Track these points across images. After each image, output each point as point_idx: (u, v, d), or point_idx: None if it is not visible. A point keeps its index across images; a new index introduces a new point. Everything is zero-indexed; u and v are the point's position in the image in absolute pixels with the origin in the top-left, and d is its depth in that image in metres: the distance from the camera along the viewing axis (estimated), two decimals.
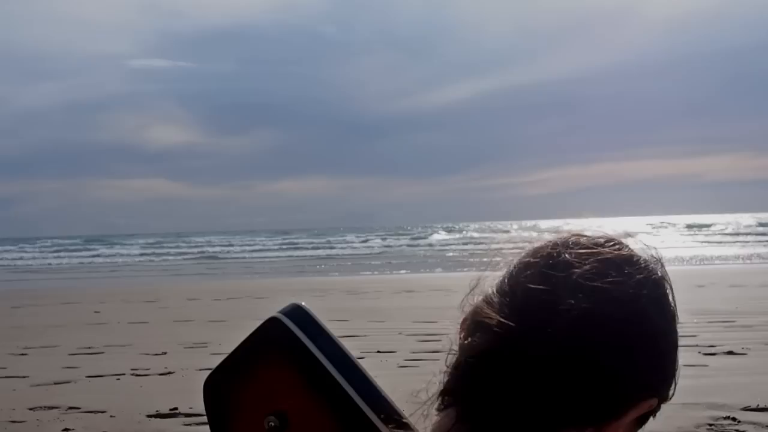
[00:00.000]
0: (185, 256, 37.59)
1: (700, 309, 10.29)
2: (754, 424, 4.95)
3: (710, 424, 4.99)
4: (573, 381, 0.75)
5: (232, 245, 45.33)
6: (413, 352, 8.02)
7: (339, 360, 0.93)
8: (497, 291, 0.84)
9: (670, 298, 0.83)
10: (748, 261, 22.24)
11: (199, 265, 31.50)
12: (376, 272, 23.07)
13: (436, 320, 10.30)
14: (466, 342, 0.83)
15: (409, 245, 42.34)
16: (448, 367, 0.86)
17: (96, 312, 12.57)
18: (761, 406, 5.31)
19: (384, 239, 48.40)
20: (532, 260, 0.84)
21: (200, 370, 7.32)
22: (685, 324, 9.08)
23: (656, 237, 43.98)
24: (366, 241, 47.34)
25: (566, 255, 0.82)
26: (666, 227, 55.01)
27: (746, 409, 5.28)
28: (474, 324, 0.83)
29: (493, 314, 0.80)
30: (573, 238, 0.85)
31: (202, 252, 40.45)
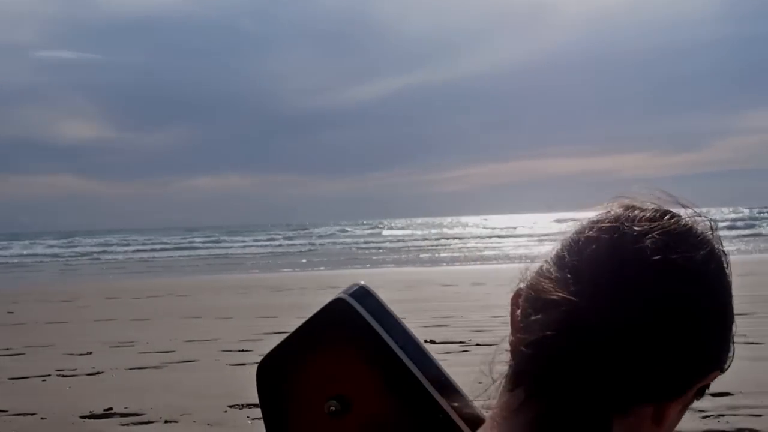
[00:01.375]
0: (89, 257, 36.42)
1: None
2: (697, 410, 5.10)
3: None
4: (646, 358, 0.74)
5: (129, 244, 44.18)
6: None
7: (405, 343, 0.91)
8: (557, 265, 0.81)
9: (728, 269, 0.83)
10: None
11: (103, 264, 30.66)
12: (297, 269, 22.92)
13: None
14: (530, 320, 0.80)
15: (333, 242, 42.23)
16: (510, 348, 0.84)
17: (10, 312, 12.08)
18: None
19: (305, 236, 48.18)
20: (593, 234, 0.81)
21: (131, 369, 7.12)
22: None
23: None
24: (290, 237, 47.07)
25: (631, 228, 0.80)
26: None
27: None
28: (538, 301, 0.81)
29: (561, 291, 0.78)
30: (629, 212, 0.83)
31: (105, 250, 39.40)
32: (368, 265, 24.36)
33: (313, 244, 40.26)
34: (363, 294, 0.93)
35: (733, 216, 47.63)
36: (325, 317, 0.91)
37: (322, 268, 23.39)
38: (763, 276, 13.54)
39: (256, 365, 0.97)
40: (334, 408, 0.89)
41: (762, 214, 50.80)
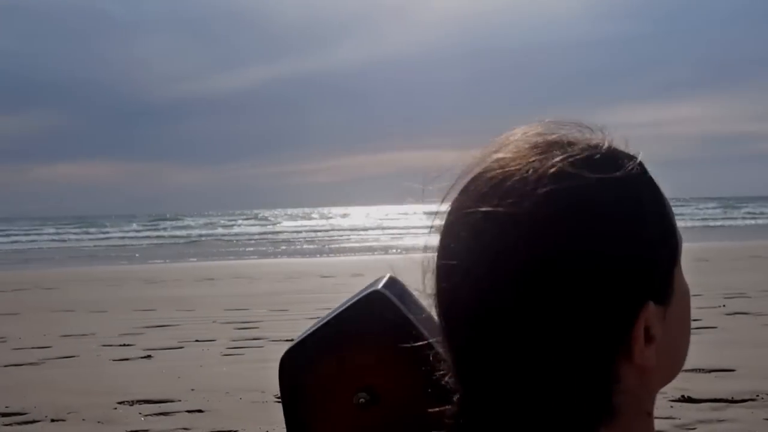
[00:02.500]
0: None
1: None
2: None
3: None
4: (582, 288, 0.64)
5: None
6: (234, 340, 7.90)
7: (436, 334, 0.88)
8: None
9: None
10: None
11: None
12: (169, 261, 22.34)
13: (248, 308, 10.21)
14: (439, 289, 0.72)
15: (202, 233, 41.34)
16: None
17: None
18: None
19: (175, 227, 46.95)
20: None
21: (6, 366, 6.79)
22: None
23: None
24: (154, 228, 45.69)
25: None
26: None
27: None
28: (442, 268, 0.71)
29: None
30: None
31: None
32: (243, 257, 24.05)
33: (182, 236, 39.33)
34: (396, 286, 0.92)
35: None
36: (362, 309, 0.90)
37: (194, 259, 22.89)
38: None
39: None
40: (363, 400, 0.89)
41: None
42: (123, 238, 38.36)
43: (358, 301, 0.91)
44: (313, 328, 0.93)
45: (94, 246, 32.89)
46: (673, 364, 0.74)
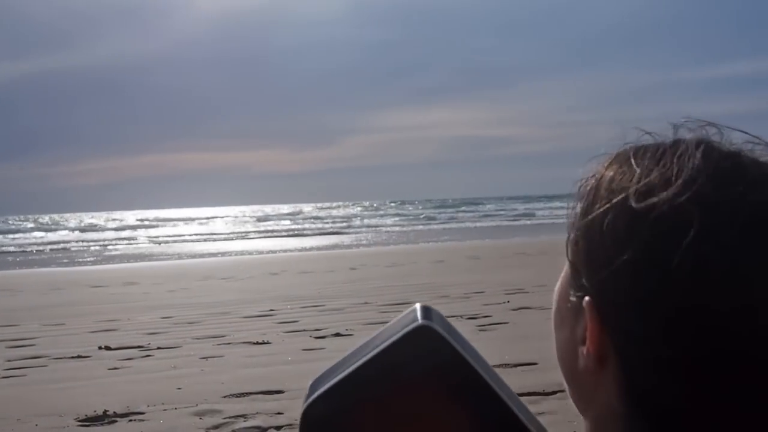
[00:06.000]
0: None
1: (287, 296, 10.83)
2: None
3: None
4: None
5: None
6: (10, 360, 7.10)
7: (490, 373, 0.81)
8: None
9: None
10: (309, 249, 23.80)
11: None
12: None
13: (17, 323, 9.30)
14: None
15: None
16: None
17: None
18: None
19: None
20: None
21: None
22: (282, 310, 9.50)
23: (208, 227, 45.11)
24: None
25: None
26: (216, 219, 56.63)
27: None
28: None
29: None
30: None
31: None
32: None
33: None
34: (440, 319, 0.81)
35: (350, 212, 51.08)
36: (410, 347, 0.78)
37: None
38: (415, 265, 14.82)
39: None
40: None
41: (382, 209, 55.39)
42: None
43: (404, 337, 0.78)
44: (347, 370, 0.79)
45: None
46: None
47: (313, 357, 6.81)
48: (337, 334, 7.85)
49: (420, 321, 0.78)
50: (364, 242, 26.82)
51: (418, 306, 0.81)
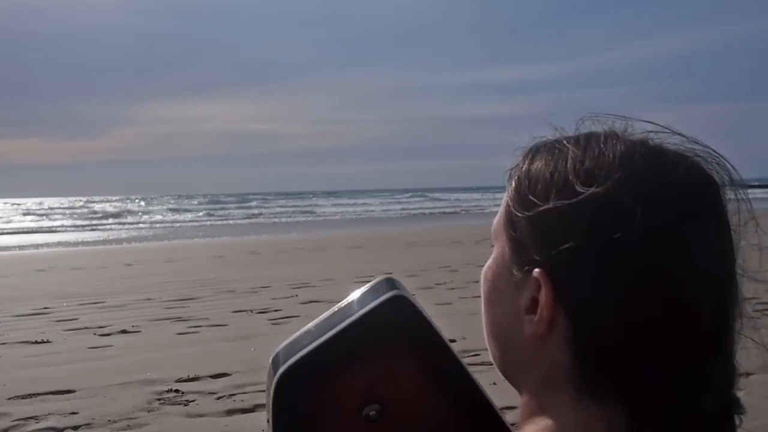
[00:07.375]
0: None
1: (61, 293, 10.24)
2: (196, 392, 5.29)
3: (159, 399, 5.16)
4: None
5: None
6: None
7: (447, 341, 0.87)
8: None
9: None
10: (77, 245, 22.36)
11: None
12: None
13: None
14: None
15: None
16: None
17: None
18: (192, 375, 5.67)
19: None
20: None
21: None
22: (57, 308, 8.99)
23: None
24: None
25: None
26: None
27: (181, 380, 5.59)
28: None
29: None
30: None
31: None
32: None
33: None
34: (404, 288, 0.85)
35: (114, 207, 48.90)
36: (382, 316, 0.82)
37: None
38: (195, 260, 14.47)
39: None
40: (374, 413, 0.82)
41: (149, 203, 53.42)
42: None
43: (375, 307, 0.82)
44: (323, 338, 0.82)
45: None
46: None
47: (102, 355, 6.54)
48: (124, 331, 7.56)
49: (394, 291, 0.83)
50: (137, 237, 25.81)
51: (384, 277, 0.85)
